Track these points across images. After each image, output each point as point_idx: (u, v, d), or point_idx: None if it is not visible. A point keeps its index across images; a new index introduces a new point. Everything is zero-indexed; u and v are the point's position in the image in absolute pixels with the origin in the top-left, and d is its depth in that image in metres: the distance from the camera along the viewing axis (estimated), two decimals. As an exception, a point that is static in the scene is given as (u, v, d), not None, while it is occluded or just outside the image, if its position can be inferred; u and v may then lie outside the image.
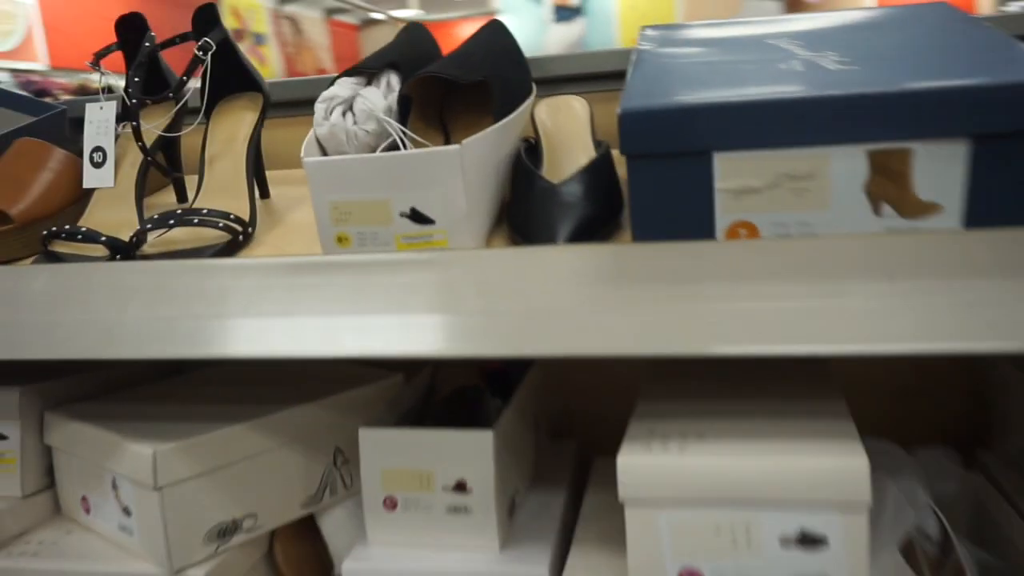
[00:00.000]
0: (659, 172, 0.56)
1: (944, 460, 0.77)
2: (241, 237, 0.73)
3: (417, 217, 0.61)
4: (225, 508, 0.70)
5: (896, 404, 0.88)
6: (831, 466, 0.53)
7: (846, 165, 0.53)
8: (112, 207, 0.82)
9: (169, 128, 0.86)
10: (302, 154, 0.63)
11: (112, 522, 0.73)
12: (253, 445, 0.72)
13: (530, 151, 0.75)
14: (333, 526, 0.78)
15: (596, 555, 0.68)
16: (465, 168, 0.60)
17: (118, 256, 0.72)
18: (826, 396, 0.64)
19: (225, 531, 0.70)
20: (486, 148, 0.64)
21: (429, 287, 0.59)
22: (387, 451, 0.68)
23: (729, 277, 0.55)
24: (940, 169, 0.52)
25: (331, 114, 0.70)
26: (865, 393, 0.78)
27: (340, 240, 0.63)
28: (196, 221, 0.72)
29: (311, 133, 0.70)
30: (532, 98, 0.79)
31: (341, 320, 0.60)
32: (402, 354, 0.58)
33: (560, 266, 0.57)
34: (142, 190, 0.82)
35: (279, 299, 0.62)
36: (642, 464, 0.56)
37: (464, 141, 0.60)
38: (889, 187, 0.53)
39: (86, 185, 0.82)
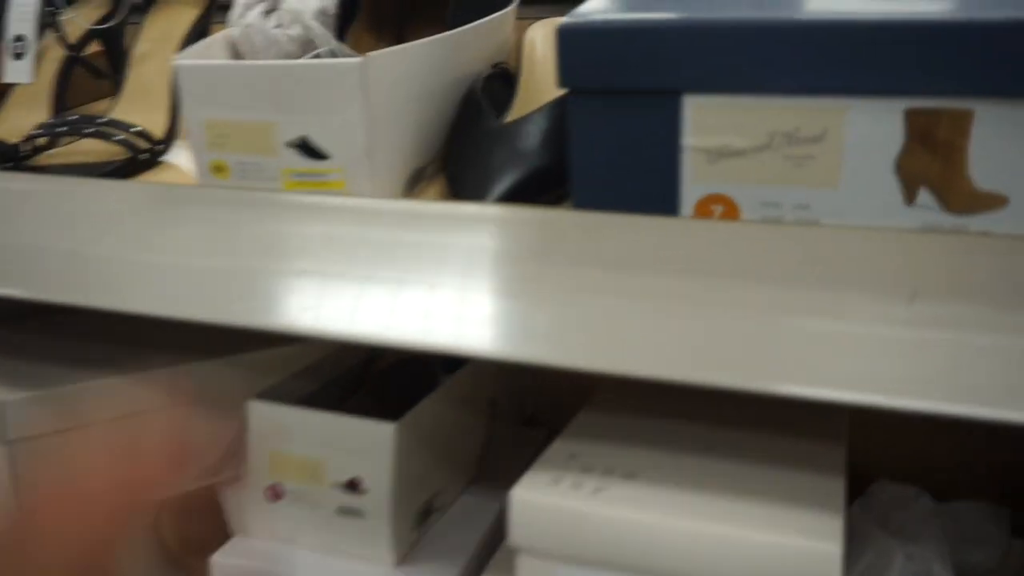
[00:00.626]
0: (608, 116, 0.40)
1: (985, 520, 0.60)
2: (145, 155, 0.61)
3: (307, 150, 0.48)
4: (91, 472, 0.60)
5: (930, 439, 0.70)
6: (789, 550, 0.38)
7: (872, 127, 0.36)
8: (30, 108, 0.71)
9: (105, 20, 0.74)
10: (180, 57, 0.50)
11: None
12: (134, 402, 0.61)
13: (500, 82, 0.59)
14: (236, 501, 0.67)
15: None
16: (371, 89, 0.45)
17: (8, 164, 0.61)
18: (822, 434, 0.48)
19: (90, 498, 0.60)
20: (413, 67, 0.50)
21: (312, 242, 0.46)
22: (277, 431, 0.56)
23: (690, 270, 0.40)
24: (1014, 145, 0.35)
25: (250, 11, 0.56)
26: (890, 423, 0.61)
27: (216, 169, 0.50)
28: (89, 131, 0.60)
29: (221, 32, 0.57)
30: (511, 9, 0.63)
31: (203, 265, 0.47)
32: (258, 325, 0.46)
33: (470, 231, 0.43)
34: (61, 90, 0.70)
35: (138, 235, 0.50)
36: (539, 504, 0.43)
37: (372, 54, 0.46)
38: (932, 165, 0.36)
39: (4, 79, 0.71)
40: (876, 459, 0.61)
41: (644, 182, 0.41)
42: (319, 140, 0.47)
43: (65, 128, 0.61)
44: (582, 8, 0.42)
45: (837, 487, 0.42)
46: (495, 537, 0.62)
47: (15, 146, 0.61)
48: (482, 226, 0.43)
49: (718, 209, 0.41)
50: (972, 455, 0.69)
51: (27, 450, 0.58)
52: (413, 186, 0.52)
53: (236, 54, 0.56)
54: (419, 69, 0.50)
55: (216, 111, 0.48)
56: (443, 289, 0.42)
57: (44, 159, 0.63)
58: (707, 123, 0.39)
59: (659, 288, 0.40)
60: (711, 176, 0.40)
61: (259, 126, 0.48)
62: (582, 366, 0.40)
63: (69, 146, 0.64)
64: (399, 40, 0.63)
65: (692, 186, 0.40)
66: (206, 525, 0.69)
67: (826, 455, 0.45)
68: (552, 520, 0.42)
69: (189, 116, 0.49)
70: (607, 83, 0.39)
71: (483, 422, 0.69)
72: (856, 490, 0.58)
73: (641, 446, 0.47)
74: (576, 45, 0.39)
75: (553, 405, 0.83)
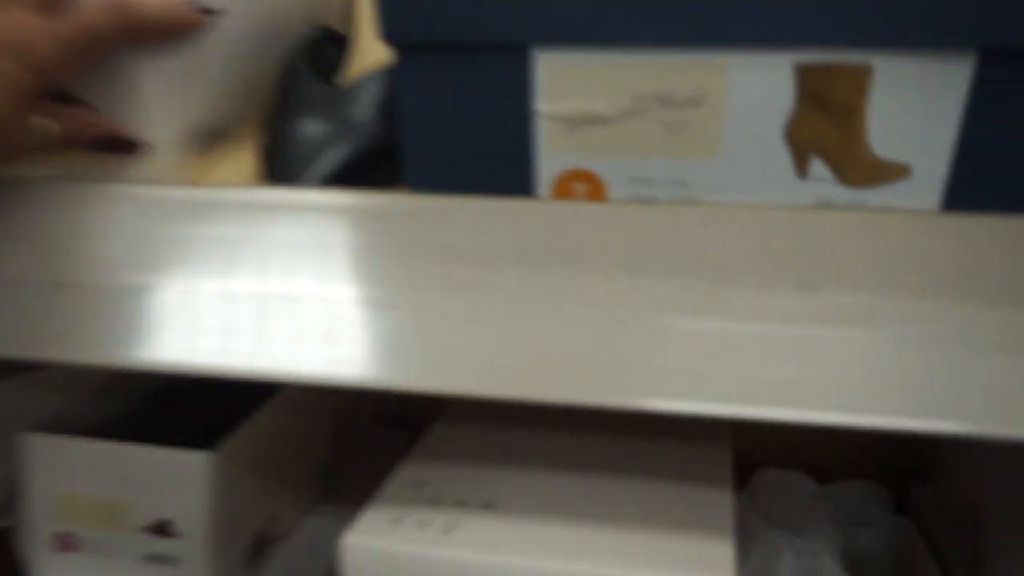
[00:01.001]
0: (443, 78, 0.32)
1: (867, 500, 0.57)
2: None
3: None
4: None
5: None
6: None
7: (757, 86, 0.30)
8: None
9: None
10: None
11: None
12: None
13: (330, 46, 0.50)
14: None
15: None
16: None
17: None
18: (705, 437, 0.43)
19: None
20: None
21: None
22: (63, 468, 0.46)
23: (548, 262, 0.32)
24: (917, 106, 0.29)
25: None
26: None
27: None
28: None
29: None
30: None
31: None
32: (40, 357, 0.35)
33: (275, 222, 0.34)
34: None
35: None
36: (378, 551, 0.35)
37: None
38: (826, 130, 0.31)
39: None
40: (758, 443, 0.57)
41: (491, 158, 0.33)
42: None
43: None
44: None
45: (724, 502, 0.37)
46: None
47: None
48: (292, 216, 0.34)
49: (580, 187, 0.33)
50: (851, 434, 0.67)
51: None
52: (204, 144, 0.42)
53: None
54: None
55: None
56: (239, 299, 0.33)
57: None
58: (563, 84, 0.31)
59: (510, 287, 0.32)
60: (571, 148, 0.33)
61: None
62: (409, 388, 0.33)
63: None
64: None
65: (549, 160, 0.33)
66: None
67: (710, 462, 0.40)
68: (393, 568, 0.35)
69: None
70: (439, 36, 0.31)
71: (328, 433, 0.60)
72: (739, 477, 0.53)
73: (501, 467, 0.40)
74: (398, -14, 0.31)
75: (419, 401, 0.76)
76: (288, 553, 0.53)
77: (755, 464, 0.56)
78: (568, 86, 0.31)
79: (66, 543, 0.47)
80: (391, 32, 0.32)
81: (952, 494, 0.57)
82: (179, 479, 0.44)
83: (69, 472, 0.46)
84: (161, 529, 0.45)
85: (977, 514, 0.54)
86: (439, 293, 0.33)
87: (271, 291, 0.34)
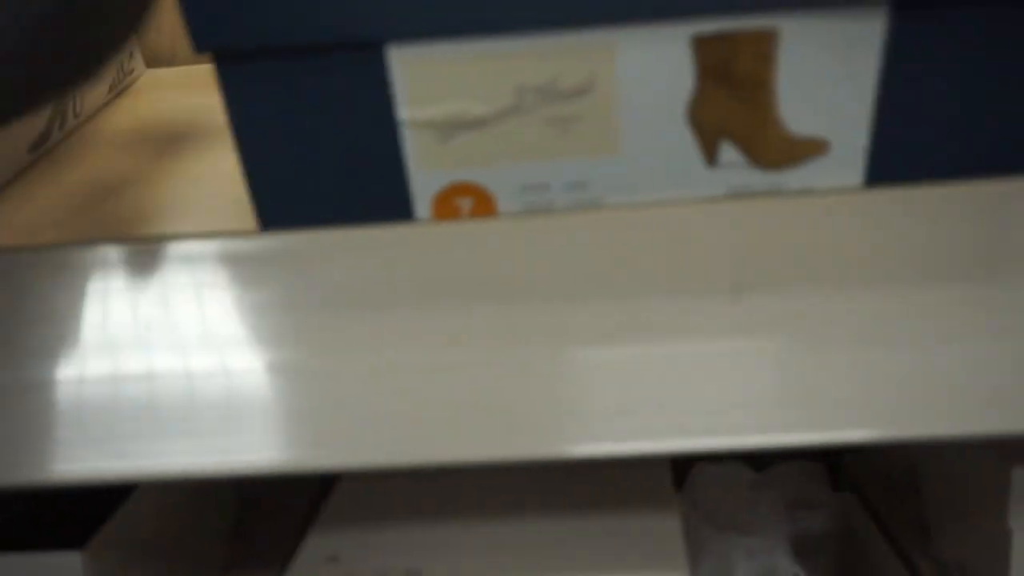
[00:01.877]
0: (282, 90, 0.27)
1: (806, 480, 0.55)
2: None
3: None
4: None
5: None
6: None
7: (652, 65, 0.26)
8: None
9: None
10: None
11: None
12: None
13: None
14: None
15: None
16: None
17: None
18: (647, 481, 0.39)
19: None
20: None
21: None
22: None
23: (437, 295, 0.28)
24: (830, 71, 0.26)
25: None
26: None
27: None
28: None
29: None
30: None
31: None
32: None
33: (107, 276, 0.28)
34: None
35: None
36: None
37: None
38: (733, 109, 0.27)
39: None
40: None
41: (354, 180, 0.28)
42: None
43: None
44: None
45: (671, 529, 0.33)
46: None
47: None
48: (116, 271, 0.28)
49: (466, 203, 0.29)
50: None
51: None
52: None
53: None
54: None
55: None
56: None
57: None
58: (427, 85, 0.27)
59: (398, 332, 0.28)
60: (447, 159, 0.28)
61: None
62: (316, 466, 0.27)
63: None
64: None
65: (424, 176, 0.28)
66: None
67: (649, 482, 0.36)
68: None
69: None
70: (263, 38, 0.26)
71: (227, 494, 0.54)
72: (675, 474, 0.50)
73: (418, 526, 0.35)
74: (209, -14, 0.25)
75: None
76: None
77: (689, 459, 0.54)
78: (434, 86, 0.27)
79: None
80: (202, 38, 0.26)
81: (888, 462, 0.55)
82: (44, 589, 0.37)
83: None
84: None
85: (915, 478, 0.52)
86: (305, 352, 0.28)
87: (125, 372, 0.29)
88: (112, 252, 0.28)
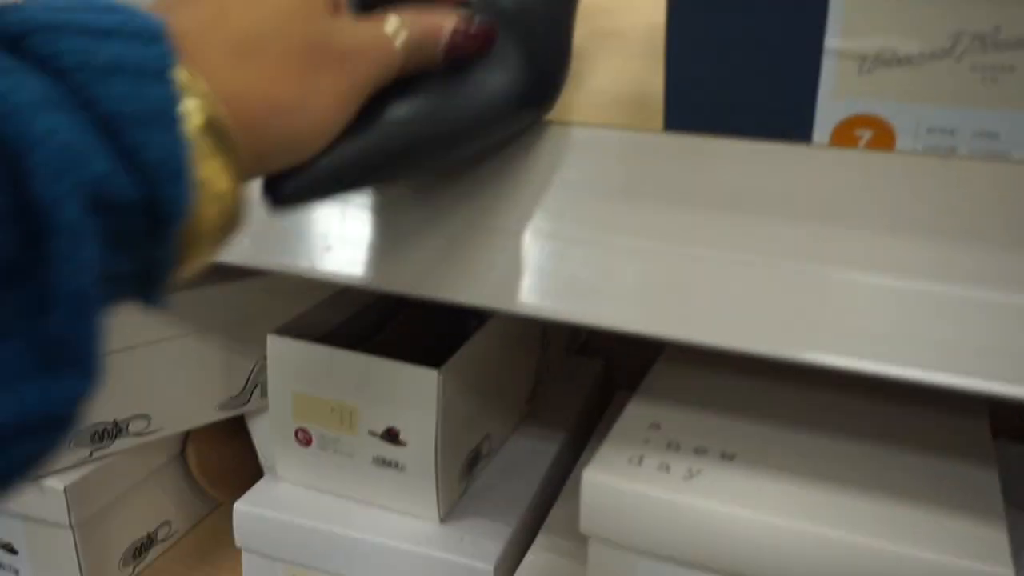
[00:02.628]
0: (724, 7, 0.30)
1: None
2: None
3: None
4: (102, 408, 0.54)
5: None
6: (947, 572, 0.30)
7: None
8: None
9: None
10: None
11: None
12: (142, 332, 0.54)
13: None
14: (265, 433, 0.62)
15: (568, 547, 0.49)
16: None
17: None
18: (960, 403, 0.39)
19: (103, 434, 0.54)
20: None
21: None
22: (301, 370, 0.50)
23: (818, 218, 0.30)
24: None
25: None
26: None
27: None
28: None
29: None
30: None
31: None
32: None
33: (536, 156, 0.34)
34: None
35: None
36: (620, 490, 0.35)
37: None
38: None
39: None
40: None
41: (764, 98, 0.31)
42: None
43: None
44: None
45: (990, 482, 0.34)
46: (550, 487, 0.55)
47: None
48: (548, 147, 0.34)
49: (865, 135, 0.31)
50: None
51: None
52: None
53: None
54: None
55: None
56: (497, 235, 0.33)
57: None
58: (865, 18, 0.28)
59: (770, 242, 0.31)
60: (861, 90, 0.30)
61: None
62: (666, 336, 0.32)
63: None
64: None
65: (833, 103, 0.30)
66: (234, 457, 0.64)
67: (968, 434, 0.37)
68: (635, 509, 0.35)
69: None
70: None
71: (534, 357, 0.61)
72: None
73: (738, 416, 0.39)
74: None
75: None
76: (495, 472, 0.55)
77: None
78: (872, 20, 0.28)
79: (303, 438, 0.51)
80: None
81: None
82: (411, 392, 0.46)
83: (307, 374, 0.49)
84: (391, 436, 0.48)
85: None
86: (689, 242, 0.32)
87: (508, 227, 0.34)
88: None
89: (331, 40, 0.25)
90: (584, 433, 0.62)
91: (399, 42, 0.27)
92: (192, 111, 0.21)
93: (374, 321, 0.59)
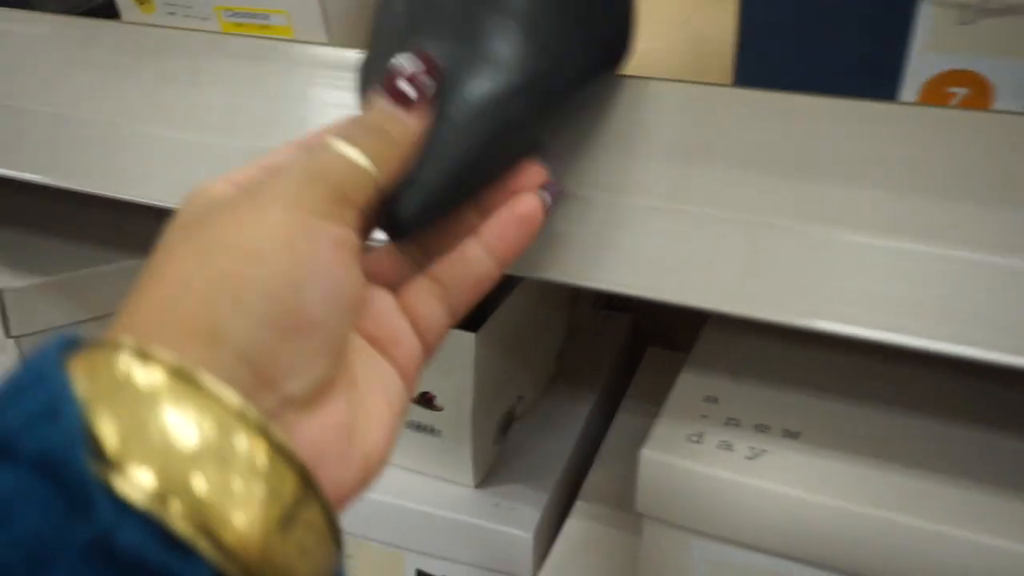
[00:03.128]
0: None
1: None
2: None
3: None
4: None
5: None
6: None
7: None
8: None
9: None
10: None
11: None
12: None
13: None
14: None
15: (608, 515, 0.48)
16: None
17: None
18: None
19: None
20: None
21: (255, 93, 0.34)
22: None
23: (906, 185, 0.28)
24: None
25: None
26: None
27: (140, 1, 0.38)
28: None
29: None
30: None
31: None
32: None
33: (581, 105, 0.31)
34: None
35: (58, 77, 0.39)
36: (680, 469, 0.34)
37: None
38: None
39: None
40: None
41: (851, 49, 0.29)
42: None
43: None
44: None
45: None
46: (584, 449, 0.54)
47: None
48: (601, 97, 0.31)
49: (959, 93, 0.28)
50: None
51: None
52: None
53: None
54: None
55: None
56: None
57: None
58: (969, -37, 0.26)
59: (849, 211, 0.28)
60: (956, 43, 0.27)
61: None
62: (723, 309, 0.30)
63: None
64: None
65: (925, 57, 0.28)
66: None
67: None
68: (697, 490, 0.33)
69: None
70: None
71: (564, 314, 0.59)
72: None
73: (797, 389, 0.37)
74: None
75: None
76: (529, 434, 0.54)
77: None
78: (977, -33, 0.26)
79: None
80: None
81: None
82: (446, 356, 0.44)
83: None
84: (426, 401, 0.47)
85: None
86: (754, 209, 0.29)
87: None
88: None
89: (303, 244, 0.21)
90: (615, 390, 0.60)
91: (352, 153, 0.23)
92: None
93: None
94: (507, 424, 0.52)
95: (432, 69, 0.25)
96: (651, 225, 0.30)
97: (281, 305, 0.20)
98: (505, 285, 0.50)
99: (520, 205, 0.27)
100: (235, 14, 0.36)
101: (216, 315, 0.20)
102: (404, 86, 0.24)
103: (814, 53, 0.29)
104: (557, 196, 0.28)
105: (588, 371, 0.60)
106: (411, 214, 0.25)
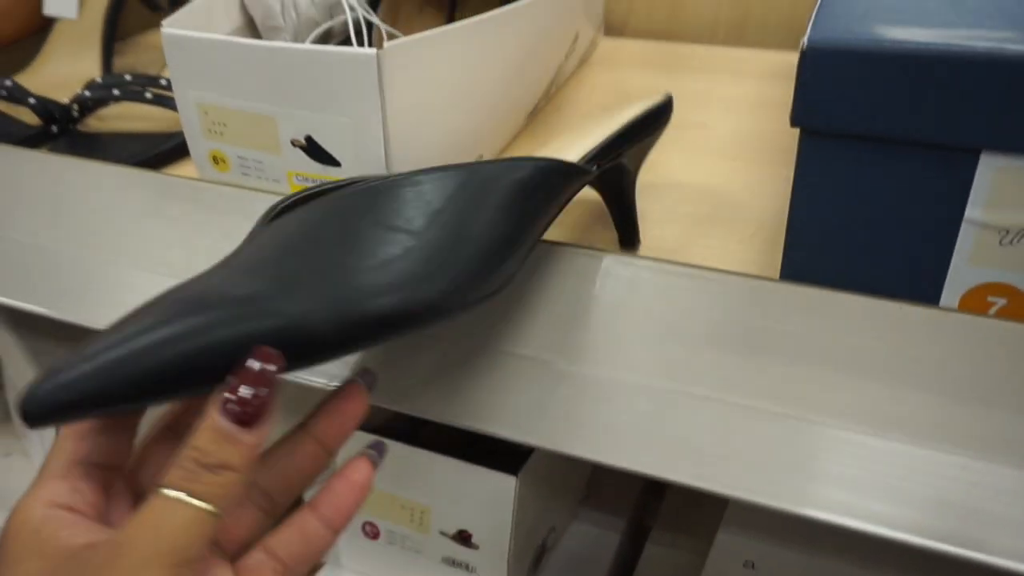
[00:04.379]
0: (864, 169, 0.29)
1: None
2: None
3: (315, 152, 0.37)
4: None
5: None
6: None
7: None
8: (76, 49, 0.61)
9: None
10: (168, 23, 0.38)
11: None
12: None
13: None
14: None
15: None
16: (392, 85, 0.34)
17: (53, 127, 0.52)
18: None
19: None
20: (454, 56, 0.38)
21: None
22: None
23: (948, 391, 0.29)
24: None
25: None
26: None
27: (216, 160, 0.40)
28: (148, 98, 0.50)
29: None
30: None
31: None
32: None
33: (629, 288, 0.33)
34: (111, 28, 0.60)
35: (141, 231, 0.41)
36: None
37: (400, 40, 0.34)
38: None
39: (46, 12, 0.61)
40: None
41: (894, 259, 0.30)
42: (329, 143, 0.37)
43: (120, 92, 0.51)
44: (824, 10, 0.30)
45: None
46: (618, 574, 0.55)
47: (67, 107, 0.51)
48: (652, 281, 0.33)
49: (997, 303, 0.30)
50: None
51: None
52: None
53: (245, 18, 0.45)
54: (472, 59, 0.39)
55: (209, 94, 0.38)
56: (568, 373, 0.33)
57: (95, 123, 0.53)
58: (1007, 191, 0.27)
59: (893, 413, 0.30)
60: (996, 260, 0.29)
61: (260, 118, 0.37)
62: (776, 506, 0.31)
63: (125, 107, 0.54)
64: (450, 14, 0.52)
65: (966, 270, 0.29)
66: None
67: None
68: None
69: (179, 94, 0.39)
70: (873, 129, 0.28)
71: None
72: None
73: (835, 555, 0.38)
74: (830, 72, 0.28)
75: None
76: (559, 565, 0.54)
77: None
78: (1013, 194, 0.27)
79: (370, 531, 0.50)
80: (809, 117, 0.29)
81: None
82: (488, 496, 0.45)
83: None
84: (463, 539, 0.47)
85: None
86: (799, 406, 0.31)
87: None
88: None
89: None
90: (645, 515, 0.61)
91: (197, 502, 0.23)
92: None
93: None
94: (540, 556, 0.52)
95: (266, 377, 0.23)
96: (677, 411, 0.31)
97: None
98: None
99: (354, 473, 0.28)
100: (305, 179, 0.38)
101: None
102: (245, 404, 0.23)
103: (859, 258, 0.31)
104: (384, 452, 0.30)
105: (617, 495, 0.61)
106: (45, 407, 0.23)
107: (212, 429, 0.24)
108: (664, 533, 0.56)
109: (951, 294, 0.30)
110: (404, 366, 0.36)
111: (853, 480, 0.30)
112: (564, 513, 0.56)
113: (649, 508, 0.61)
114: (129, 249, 0.42)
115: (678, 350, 0.32)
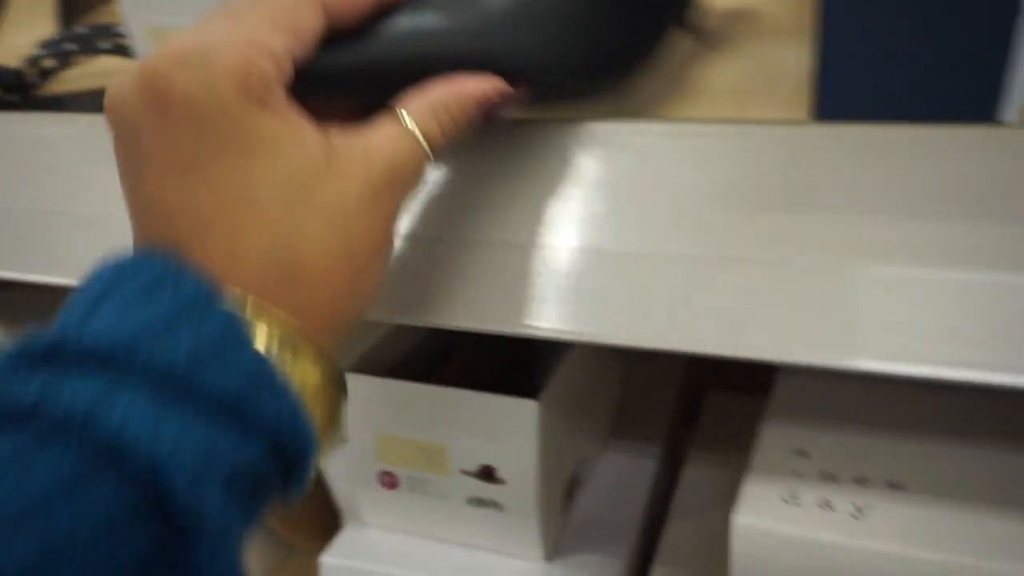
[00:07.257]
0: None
1: None
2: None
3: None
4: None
5: None
6: None
7: None
8: (33, 21, 0.57)
9: None
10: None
11: None
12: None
13: None
14: (339, 472, 0.57)
15: (691, 573, 0.45)
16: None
17: (15, 97, 0.48)
18: None
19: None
20: None
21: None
22: (382, 410, 0.45)
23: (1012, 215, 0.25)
24: None
25: None
26: None
27: None
28: (106, 47, 0.46)
29: None
30: None
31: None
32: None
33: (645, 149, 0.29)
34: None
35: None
36: (778, 536, 0.31)
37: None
38: None
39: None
40: None
41: (938, 76, 0.26)
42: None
43: (75, 45, 0.47)
44: None
45: None
46: (653, 509, 0.51)
47: (17, 72, 0.47)
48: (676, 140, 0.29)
49: (1068, 109, 0.26)
50: None
51: None
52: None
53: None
54: None
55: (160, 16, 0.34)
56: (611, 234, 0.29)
57: (57, 85, 0.49)
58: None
59: (953, 247, 0.26)
60: (1063, 58, 0.25)
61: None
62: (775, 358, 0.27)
63: (86, 66, 0.50)
64: None
65: (1028, 75, 0.25)
66: (314, 505, 0.60)
67: None
68: (800, 556, 0.31)
69: (131, 23, 0.35)
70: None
71: (620, 367, 0.57)
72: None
73: (892, 433, 0.34)
74: None
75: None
76: (595, 497, 0.51)
77: None
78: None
79: (388, 481, 0.47)
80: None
81: None
82: (508, 426, 0.42)
83: (390, 414, 0.45)
84: (487, 474, 0.44)
85: None
86: (841, 253, 0.27)
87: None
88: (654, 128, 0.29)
89: (362, 203, 0.23)
90: (677, 438, 0.57)
91: (423, 142, 0.25)
92: (267, 336, 0.21)
93: (436, 354, 0.54)
94: (572, 490, 0.49)
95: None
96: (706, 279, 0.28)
97: None
98: (559, 346, 0.48)
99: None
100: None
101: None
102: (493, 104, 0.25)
103: (903, 80, 0.27)
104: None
105: (648, 422, 0.57)
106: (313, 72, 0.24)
107: (459, 90, 0.25)
108: (701, 453, 0.53)
109: (1013, 108, 0.26)
110: (417, 275, 0.32)
111: (910, 323, 0.26)
112: (594, 443, 0.53)
113: (682, 431, 0.57)
114: (86, 198, 0.38)
115: (708, 214, 0.28)
